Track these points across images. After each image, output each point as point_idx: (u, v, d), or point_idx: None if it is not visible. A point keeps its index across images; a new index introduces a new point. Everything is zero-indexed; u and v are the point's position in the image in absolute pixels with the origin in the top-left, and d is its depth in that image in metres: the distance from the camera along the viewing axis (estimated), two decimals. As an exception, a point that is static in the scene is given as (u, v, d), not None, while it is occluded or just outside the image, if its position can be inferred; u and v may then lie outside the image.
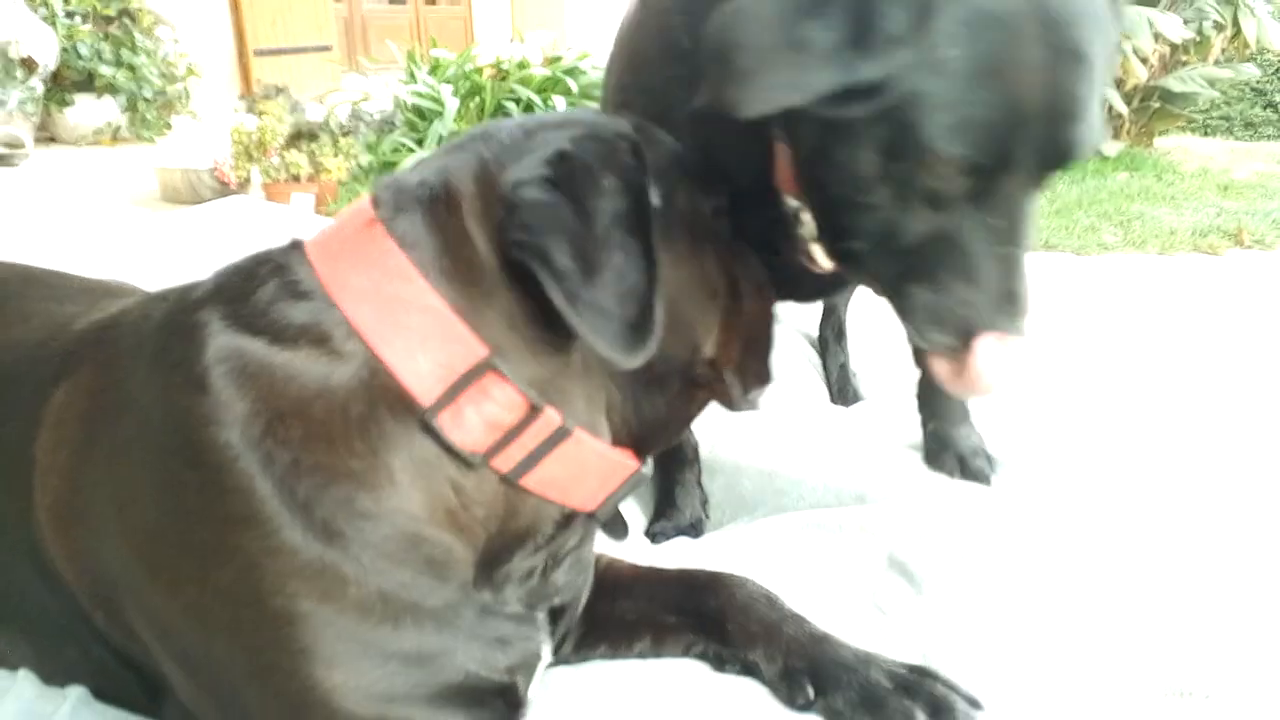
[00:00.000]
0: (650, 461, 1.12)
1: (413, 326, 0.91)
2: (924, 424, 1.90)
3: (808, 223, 1.17)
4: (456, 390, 0.91)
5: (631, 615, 1.26)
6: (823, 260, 1.19)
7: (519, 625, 1.01)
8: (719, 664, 1.21)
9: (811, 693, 1.12)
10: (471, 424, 0.92)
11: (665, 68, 1.35)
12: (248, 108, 5.82)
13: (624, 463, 1.04)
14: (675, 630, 1.24)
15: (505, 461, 0.94)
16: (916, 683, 1.09)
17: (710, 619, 1.22)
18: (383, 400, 0.92)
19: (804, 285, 1.36)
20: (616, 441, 1.04)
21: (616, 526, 1.14)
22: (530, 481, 0.96)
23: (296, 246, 1.03)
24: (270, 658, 0.89)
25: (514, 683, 1.01)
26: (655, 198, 0.97)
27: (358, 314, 0.93)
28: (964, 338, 1.01)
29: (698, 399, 1.13)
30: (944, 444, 1.86)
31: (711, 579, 1.26)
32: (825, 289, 1.61)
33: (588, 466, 0.99)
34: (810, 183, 1.12)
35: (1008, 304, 1.00)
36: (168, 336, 1.01)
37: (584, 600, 1.20)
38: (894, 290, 1.07)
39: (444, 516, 0.94)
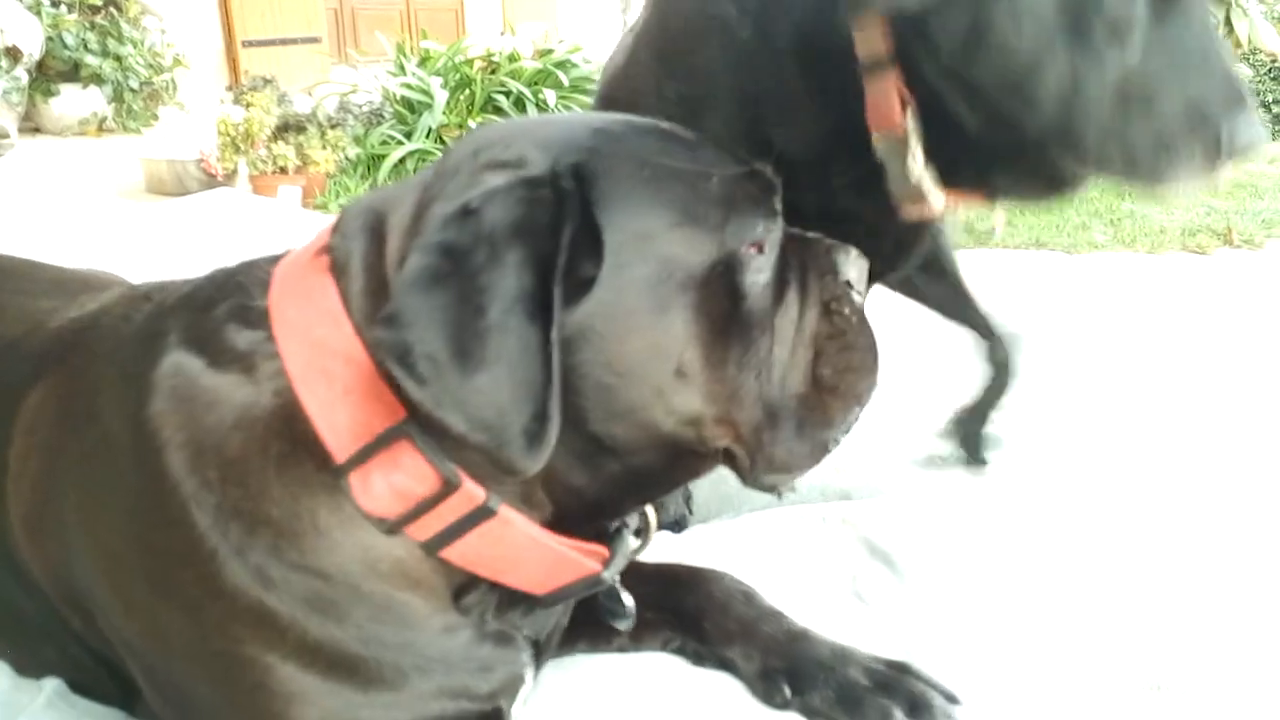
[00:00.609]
0: (615, 568, 1.00)
1: (336, 375, 0.86)
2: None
3: (915, 153, 1.18)
4: (367, 454, 0.85)
5: None
6: (933, 194, 1.20)
7: (502, 649, 0.99)
8: (697, 660, 1.21)
9: (789, 692, 1.11)
10: (379, 491, 0.86)
11: (712, 42, 1.34)
12: (234, 99, 5.76)
13: (572, 558, 0.95)
14: (653, 626, 1.23)
15: (421, 531, 0.88)
16: (894, 679, 1.09)
17: (688, 616, 1.21)
18: (303, 445, 0.88)
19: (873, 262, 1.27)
20: (563, 512, 0.94)
21: (615, 607, 1.08)
22: (454, 555, 0.90)
23: (275, 260, 1.00)
24: (226, 692, 0.90)
25: (497, 707, 1.00)
26: (590, 266, 0.84)
27: (289, 351, 0.89)
28: (1207, 141, 1.00)
29: (690, 466, 0.99)
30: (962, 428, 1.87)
31: (690, 575, 1.25)
32: (895, 261, 1.46)
33: (522, 550, 0.91)
34: (952, 84, 1.11)
35: (1233, 91, 1.00)
36: (136, 344, 0.99)
37: (565, 622, 1.18)
38: (1079, 153, 1.06)
39: (383, 571, 0.89)
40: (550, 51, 6.94)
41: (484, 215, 0.80)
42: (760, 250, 0.92)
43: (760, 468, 0.95)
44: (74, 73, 7.82)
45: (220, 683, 0.90)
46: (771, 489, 1.02)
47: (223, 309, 0.97)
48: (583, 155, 0.87)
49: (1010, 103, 1.07)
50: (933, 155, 1.20)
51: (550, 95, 6.59)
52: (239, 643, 0.88)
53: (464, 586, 0.95)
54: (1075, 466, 1.90)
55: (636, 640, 1.23)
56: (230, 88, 8.05)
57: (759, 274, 0.92)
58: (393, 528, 0.87)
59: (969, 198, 1.27)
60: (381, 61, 7.75)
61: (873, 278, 1.35)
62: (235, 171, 5.49)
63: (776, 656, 1.13)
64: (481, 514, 0.87)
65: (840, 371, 0.96)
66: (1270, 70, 10.97)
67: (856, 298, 1.00)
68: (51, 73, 7.76)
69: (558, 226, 0.81)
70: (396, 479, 0.86)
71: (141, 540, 0.91)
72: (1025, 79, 1.04)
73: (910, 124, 1.19)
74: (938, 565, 1.41)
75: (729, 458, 0.96)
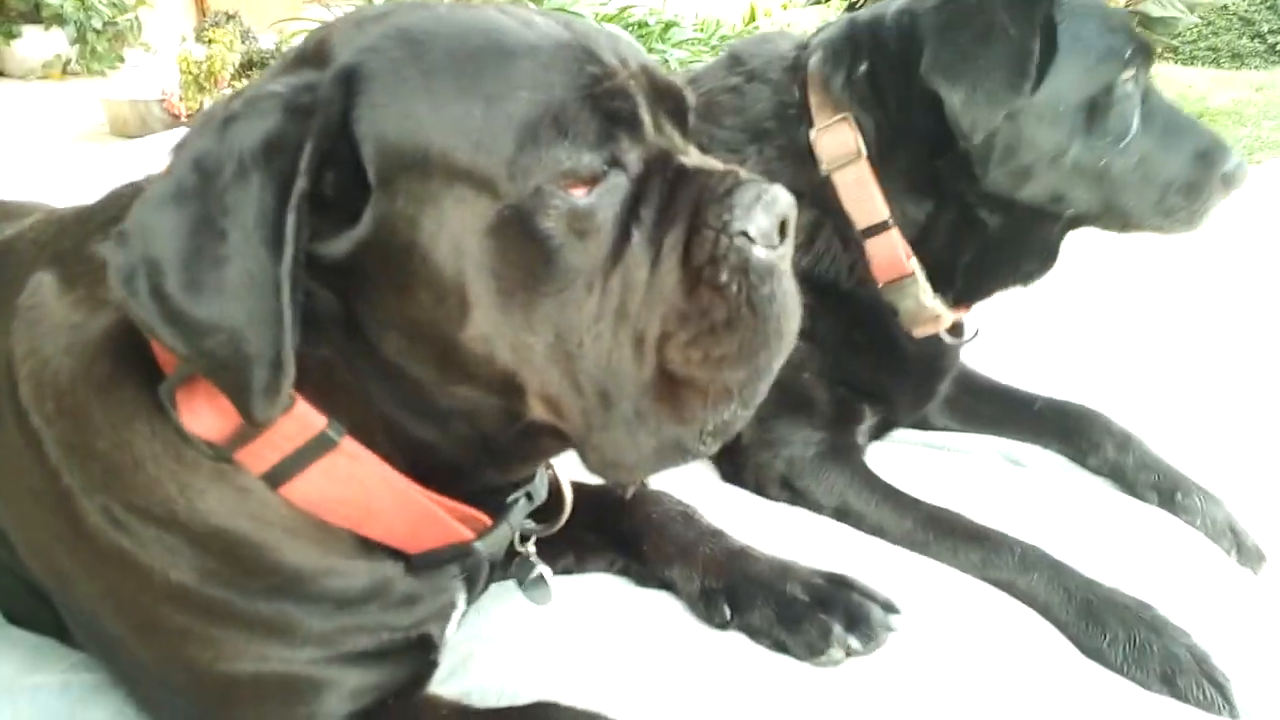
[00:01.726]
0: (493, 540, 0.92)
1: None
2: None
3: (924, 286, 1.34)
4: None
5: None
6: (944, 312, 1.37)
7: (428, 580, 0.94)
8: (640, 581, 1.19)
9: (729, 612, 1.09)
10: (201, 407, 0.79)
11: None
12: (196, 36, 5.58)
13: (439, 516, 0.86)
14: (596, 548, 1.21)
15: (256, 460, 0.80)
16: (833, 593, 1.07)
17: (627, 538, 1.19)
18: (128, 365, 0.81)
19: (903, 393, 1.50)
20: (419, 467, 0.85)
21: (531, 582, 1.01)
22: (298, 495, 0.82)
23: None
24: (124, 628, 0.86)
25: (424, 634, 0.95)
26: (355, 194, 0.74)
27: None
28: (1206, 180, 1.35)
29: (536, 441, 0.86)
30: None
31: (625, 497, 1.21)
32: (929, 390, 1.56)
33: (376, 496, 0.83)
34: (986, 202, 1.34)
35: (1219, 141, 1.36)
36: (18, 266, 0.94)
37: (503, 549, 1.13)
38: (1104, 208, 1.35)
39: (222, 512, 0.81)
40: (527, -16, 6.70)
41: (239, 126, 0.71)
42: (585, 188, 0.74)
43: (592, 457, 0.80)
44: (35, 13, 7.59)
45: (116, 619, 0.86)
46: (616, 485, 0.90)
47: (95, 221, 0.92)
48: (363, 57, 0.75)
49: (1047, 198, 1.33)
50: (938, 280, 1.38)
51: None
52: (116, 583, 0.84)
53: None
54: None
55: (581, 562, 1.21)
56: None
57: (577, 219, 0.73)
58: (221, 453, 0.80)
59: (970, 303, 1.47)
60: (353, -3, 7.50)
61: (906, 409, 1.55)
62: (200, 111, 5.33)
63: (716, 576, 1.11)
64: (321, 444, 0.80)
65: (699, 360, 0.75)
66: (1268, 1, 10.76)
67: (758, 254, 0.76)
68: (13, 14, 7.54)
69: (301, 143, 0.70)
70: (220, 395, 0.77)
71: (22, 480, 0.88)
72: (1063, 179, 1.32)
73: (914, 264, 1.36)
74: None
75: (563, 438, 0.83)
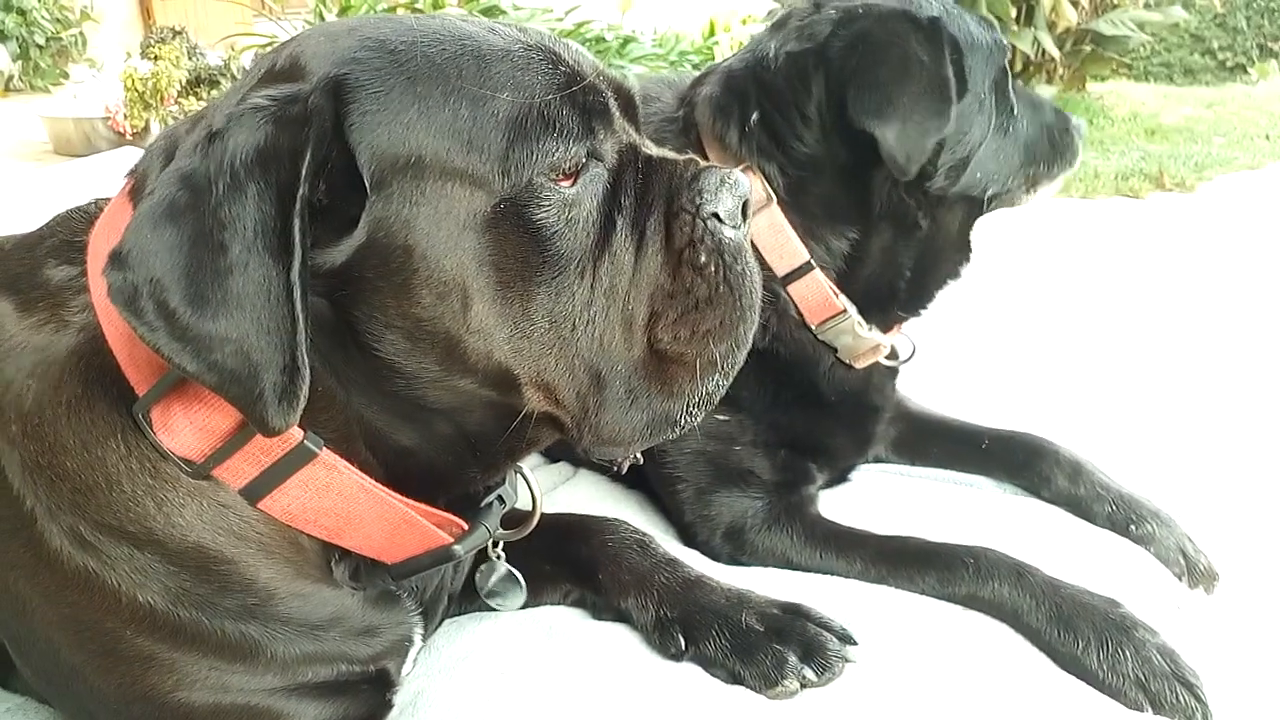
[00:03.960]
0: (470, 543, 0.92)
1: None
2: None
3: (858, 319, 1.35)
4: (166, 385, 0.77)
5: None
6: (881, 339, 1.38)
7: (386, 611, 0.93)
8: (596, 612, 1.17)
9: (683, 642, 1.07)
10: (179, 427, 0.78)
11: None
12: (142, 52, 5.45)
13: (418, 522, 0.86)
14: (551, 579, 1.19)
15: (234, 475, 0.80)
16: (788, 623, 1.06)
17: (583, 567, 1.17)
18: (98, 385, 0.80)
19: (842, 442, 1.50)
20: (398, 473, 0.85)
21: (498, 583, 1.02)
22: (277, 508, 0.81)
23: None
24: (83, 657, 0.84)
25: (383, 669, 0.94)
26: (352, 200, 0.75)
27: (95, 284, 0.79)
28: (1067, 121, 1.53)
29: (523, 434, 0.87)
30: None
31: (583, 525, 1.20)
32: (867, 434, 1.55)
33: (355, 505, 0.82)
34: (930, 209, 1.39)
35: (1065, 117, 1.56)
36: None
37: (460, 583, 1.11)
38: (1016, 173, 1.47)
39: (196, 530, 0.81)
40: (476, -1, 6.68)
41: (228, 140, 0.71)
42: (570, 180, 0.79)
43: (587, 438, 0.84)
44: (-25, 29, 7.37)
45: (75, 647, 0.84)
46: (609, 461, 0.93)
47: (47, 246, 0.91)
48: (347, 68, 0.76)
49: (977, 183, 1.41)
50: (877, 302, 1.40)
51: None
52: (79, 608, 0.82)
53: (333, 552, 0.88)
54: (1016, 405, 1.89)
55: (536, 595, 1.18)
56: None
57: (566, 209, 0.78)
58: (200, 470, 0.79)
59: (912, 315, 1.49)
60: (303, 14, 7.41)
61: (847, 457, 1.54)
62: (146, 128, 5.22)
63: (670, 606, 1.10)
64: (300, 456, 0.79)
65: (687, 336, 0.81)
66: (1215, 17, 11.12)
67: (728, 234, 0.83)
68: (-49, 29, 7.31)
69: (299, 152, 0.71)
70: (198, 413, 0.78)
71: None
72: (987, 159, 1.42)
73: (844, 300, 1.35)
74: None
75: (557, 424, 0.85)
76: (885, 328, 1.42)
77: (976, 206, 1.45)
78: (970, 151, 1.37)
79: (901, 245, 1.40)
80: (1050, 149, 1.50)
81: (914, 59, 1.28)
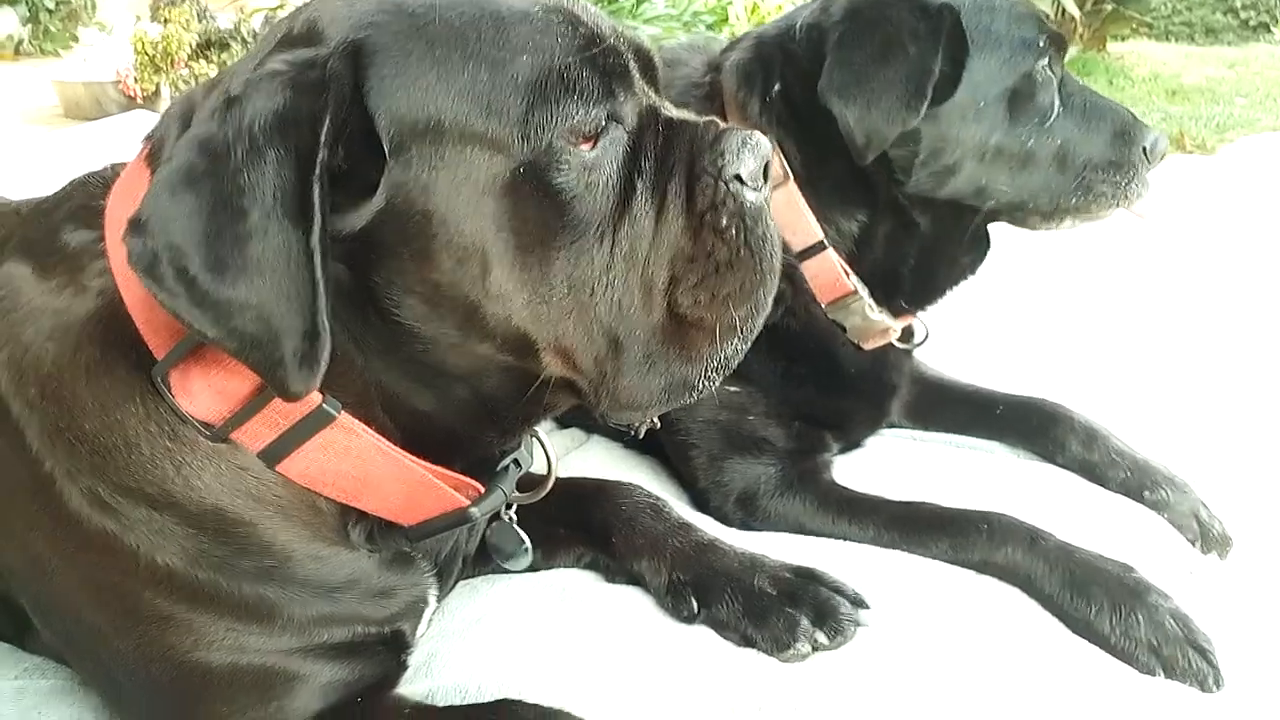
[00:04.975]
0: (487, 505, 0.93)
1: None
2: None
3: (869, 301, 1.33)
4: (184, 349, 0.78)
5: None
6: (891, 322, 1.36)
7: (401, 573, 0.94)
8: (609, 575, 1.18)
9: (696, 605, 1.08)
10: (198, 389, 0.79)
11: None
12: (152, 15, 5.42)
13: (435, 485, 0.86)
14: (565, 542, 1.19)
15: (253, 438, 0.80)
16: (801, 587, 1.06)
17: (596, 530, 1.17)
18: (117, 349, 0.81)
19: (857, 417, 1.49)
20: (415, 437, 0.86)
21: (507, 543, 1.02)
22: (295, 471, 0.82)
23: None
24: (104, 617, 0.85)
25: (398, 630, 0.95)
26: (371, 165, 0.75)
27: (114, 247, 0.80)
28: (1127, 156, 1.36)
29: (539, 397, 0.87)
30: None
31: (597, 489, 1.21)
32: (883, 407, 1.54)
33: (373, 468, 0.83)
34: (922, 207, 1.34)
35: (1138, 121, 1.40)
36: None
37: (474, 545, 1.12)
38: (1025, 195, 1.36)
39: (213, 493, 0.82)
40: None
41: (246, 106, 0.71)
42: (590, 143, 0.78)
43: (605, 403, 0.84)
44: (-16, -8, 7.34)
45: (95, 608, 0.85)
46: (626, 426, 0.93)
47: (64, 210, 0.91)
48: (365, 32, 0.75)
49: (971, 192, 1.34)
50: (886, 289, 1.37)
51: None
52: (98, 569, 0.83)
53: (350, 515, 0.89)
54: (1030, 370, 1.88)
55: (549, 558, 1.19)
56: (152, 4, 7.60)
57: (586, 172, 0.77)
58: (218, 433, 0.80)
59: (923, 308, 1.47)
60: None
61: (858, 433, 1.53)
62: (157, 92, 5.20)
63: (683, 569, 1.10)
64: (319, 419, 0.80)
65: (707, 300, 0.81)
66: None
67: (749, 196, 0.82)
68: (-40, -7, 7.28)
69: (318, 117, 0.71)
70: (216, 376, 0.79)
71: None
72: (985, 170, 1.34)
73: (855, 281, 1.33)
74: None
75: (574, 389, 0.85)
76: (893, 315, 1.41)
77: (976, 214, 1.39)
78: (958, 159, 1.32)
79: (904, 237, 1.38)
80: (1096, 181, 1.36)
81: (897, 45, 1.25)
